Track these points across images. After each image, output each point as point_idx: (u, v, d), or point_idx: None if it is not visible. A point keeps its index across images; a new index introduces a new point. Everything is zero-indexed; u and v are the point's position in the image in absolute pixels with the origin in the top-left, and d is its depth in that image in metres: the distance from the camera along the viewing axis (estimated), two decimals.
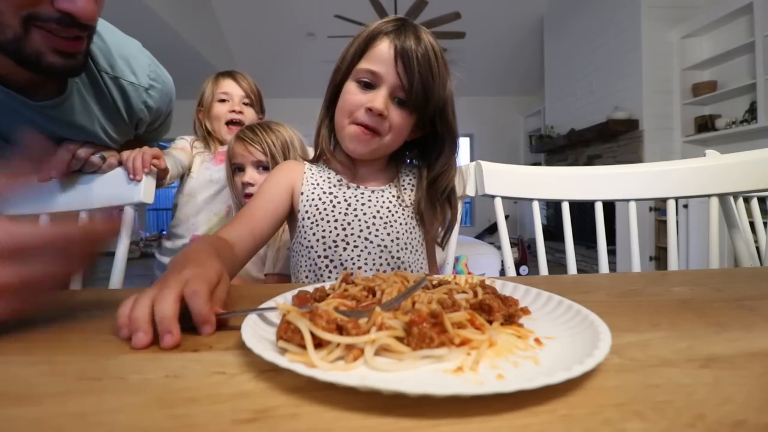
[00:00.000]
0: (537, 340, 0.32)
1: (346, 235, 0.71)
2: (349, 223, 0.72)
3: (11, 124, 0.71)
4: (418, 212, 0.76)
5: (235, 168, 1.05)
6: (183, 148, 1.26)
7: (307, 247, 0.72)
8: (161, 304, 0.33)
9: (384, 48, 0.67)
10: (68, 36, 0.59)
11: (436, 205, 0.77)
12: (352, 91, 0.69)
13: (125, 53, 0.81)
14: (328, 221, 0.72)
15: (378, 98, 0.67)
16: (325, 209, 0.72)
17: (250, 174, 1.02)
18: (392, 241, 0.72)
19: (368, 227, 0.72)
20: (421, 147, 0.79)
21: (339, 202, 0.73)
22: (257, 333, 0.31)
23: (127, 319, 0.34)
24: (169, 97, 0.93)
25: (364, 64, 0.68)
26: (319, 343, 0.28)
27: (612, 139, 4.27)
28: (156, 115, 0.91)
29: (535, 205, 0.89)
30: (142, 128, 0.91)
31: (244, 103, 1.28)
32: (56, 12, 0.56)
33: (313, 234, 0.72)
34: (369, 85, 0.68)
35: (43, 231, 0.35)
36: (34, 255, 0.34)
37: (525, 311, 0.38)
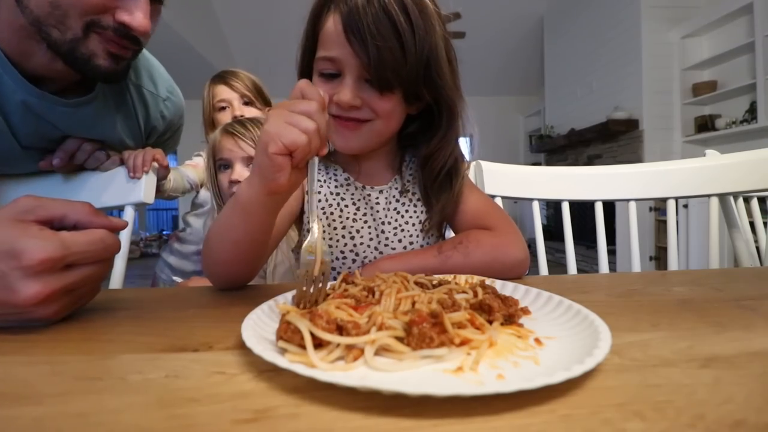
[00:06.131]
0: (537, 340, 0.32)
1: (354, 245, 0.65)
2: (357, 231, 0.65)
3: (34, 128, 0.74)
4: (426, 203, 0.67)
5: (220, 165, 0.99)
6: (196, 165, 1.26)
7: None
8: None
9: (331, 25, 0.55)
10: (122, 45, 0.65)
11: (433, 188, 0.65)
12: (317, 84, 0.59)
13: (149, 66, 0.88)
14: (335, 227, 0.65)
15: (343, 89, 0.55)
16: (332, 213, 0.66)
17: (240, 171, 0.96)
18: (404, 248, 0.65)
19: (378, 235, 0.65)
20: (424, 120, 0.66)
21: (347, 205, 0.66)
22: (257, 333, 0.31)
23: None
24: (181, 111, 0.98)
25: (320, 52, 0.58)
26: (319, 343, 0.28)
27: (612, 139, 4.26)
28: (167, 126, 0.95)
29: (535, 205, 0.89)
30: (153, 138, 0.95)
31: (245, 103, 1.27)
32: (115, 22, 0.62)
33: None
34: (335, 74, 0.57)
35: (88, 238, 0.39)
36: (80, 260, 0.38)
37: (525, 311, 0.38)
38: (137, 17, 0.62)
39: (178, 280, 1.24)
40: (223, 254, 0.51)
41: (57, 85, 0.71)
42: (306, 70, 0.62)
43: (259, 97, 1.30)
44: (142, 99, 0.87)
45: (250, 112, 1.26)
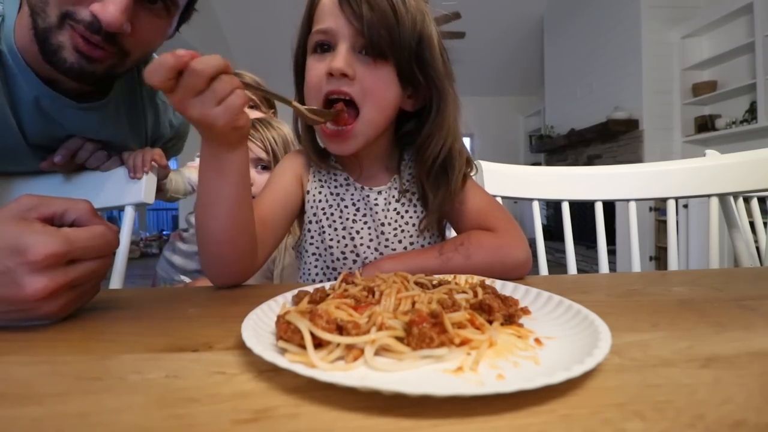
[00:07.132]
0: (537, 340, 0.32)
1: (355, 246, 0.65)
2: (357, 232, 0.66)
3: (43, 128, 0.75)
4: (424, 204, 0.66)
5: None
6: (197, 167, 1.26)
7: (313, 254, 0.67)
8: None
9: (326, 0, 0.57)
10: (93, 41, 0.64)
11: (428, 181, 0.64)
12: (311, 64, 0.59)
13: None
14: (335, 228, 0.66)
15: (336, 57, 0.55)
16: (332, 214, 0.66)
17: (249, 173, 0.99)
18: (405, 248, 0.65)
19: (378, 236, 0.65)
20: (419, 118, 0.65)
21: (347, 206, 0.66)
22: (257, 333, 0.31)
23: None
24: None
25: (314, 27, 0.59)
26: (319, 343, 0.28)
27: (612, 139, 4.27)
28: (175, 133, 0.98)
29: (535, 205, 0.89)
30: (159, 144, 0.96)
31: (250, 107, 1.27)
32: (89, 15, 0.62)
33: (322, 242, 0.66)
34: (327, 49, 0.58)
35: (89, 234, 0.39)
36: (83, 255, 0.39)
37: (525, 311, 0.38)
38: (109, 10, 0.61)
39: (184, 279, 1.24)
40: (213, 227, 0.51)
41: (72, 88, 0.72)
42: (301, 55, 0.63)
43: (263, 99, 1.30)
44: (153, 107, 0.89)
45: (255, 115, 1.26)
